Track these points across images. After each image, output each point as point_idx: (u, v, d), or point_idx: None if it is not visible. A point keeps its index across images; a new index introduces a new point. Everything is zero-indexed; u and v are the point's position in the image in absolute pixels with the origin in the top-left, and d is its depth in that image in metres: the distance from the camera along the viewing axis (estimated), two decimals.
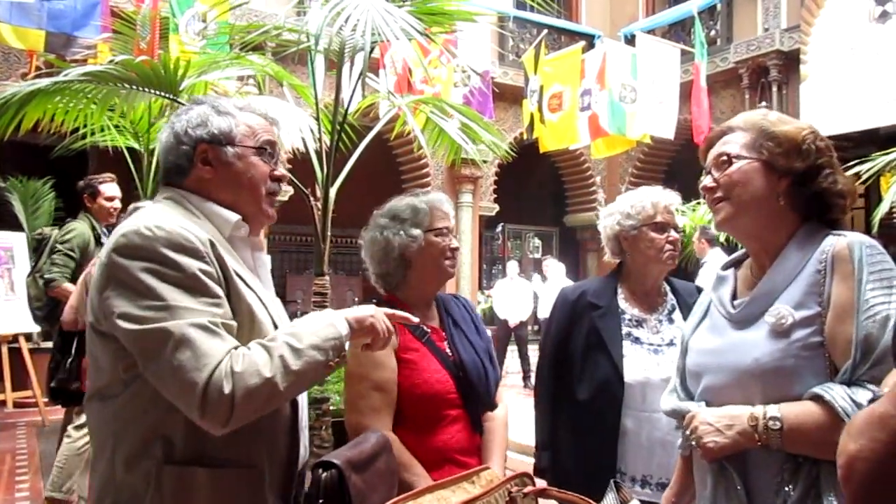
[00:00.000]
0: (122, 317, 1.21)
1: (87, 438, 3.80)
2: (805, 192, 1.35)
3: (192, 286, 1.24)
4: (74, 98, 3.22)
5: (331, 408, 3.37)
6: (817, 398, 1.21)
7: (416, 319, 1.55)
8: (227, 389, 1.17)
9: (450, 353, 1.94)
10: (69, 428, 3.88)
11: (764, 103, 10.06)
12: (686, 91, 9.51)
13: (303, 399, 1.47)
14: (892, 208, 7.37)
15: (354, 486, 1.31)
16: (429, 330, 1.95)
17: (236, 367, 1.19)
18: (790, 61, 9.79)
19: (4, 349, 6.63)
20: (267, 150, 1.47)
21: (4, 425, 6.65)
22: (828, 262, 1.28)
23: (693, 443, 1.35)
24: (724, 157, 1.40)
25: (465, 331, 2.01)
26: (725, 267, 1.54)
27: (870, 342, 1.19)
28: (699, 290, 2.28)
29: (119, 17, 5.47)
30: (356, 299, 11.93)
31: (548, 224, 14.29)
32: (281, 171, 1.51)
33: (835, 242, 1.29)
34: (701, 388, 1.44)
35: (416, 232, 1.94)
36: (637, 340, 2.11)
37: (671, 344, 2.10)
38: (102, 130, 5.22)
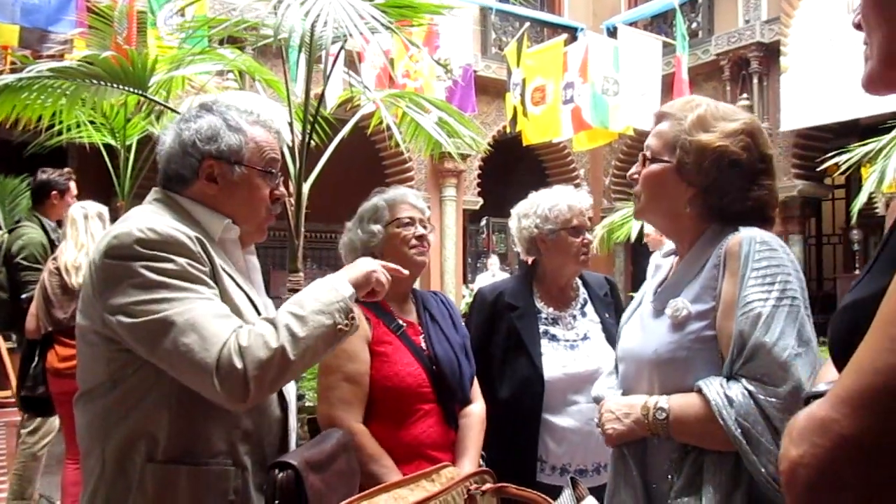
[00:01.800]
0: (124, 312, 1.23)
1: (42, 443, 3.80)
2: (709, 202, 1.36)
3: (189, 277, 1.26)
4: (43, 93, 3.18)
5: (306, 404, 3.36)
6: (699, 391, 1.25)
7: (406, 272, 1.58)
8: (238, 365, 1.19)
9: (424, 348, 1.94)
10: (23, 434, 3.86)
11: (745, 95, 10.11)
12: (668, 83, 9.53)
13: (292, 401, 1.47)
14: (871, 198, 7.44)
15: (312, 486, 1.30)
16: (404, 324, 1.95)
17: (243, 342, 1.21)
18: (771, 53, 9.83)
19: None
20: (271, 171, 1.47)
21: None
22: (722, 258, 1.30)
23: (599, 429, 1.43)
24: (647, 153, 1.42)
25: (441, 326, 2.02)
26: (666, 255, 1.57)
27: (743, 338, 1.21)
28: (609, 282, 2.40)
29: (93, 13, 5.41)
30: None
31: None
32: (281, 190, 1.51)
33: (730, 239, 1.30)
34: (621, 374, 1.50)
35: (376, 227, 1.98)
36: (554, 338, 2.17)
37: (585, 338, 2.18)
38: (78, 127, 5.17)
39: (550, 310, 2.22)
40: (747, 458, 1.17)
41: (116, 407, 1.29)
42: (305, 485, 1.28)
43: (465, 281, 11.98)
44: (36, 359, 3.49)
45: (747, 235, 1.28)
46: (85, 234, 3.54)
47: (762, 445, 1.16)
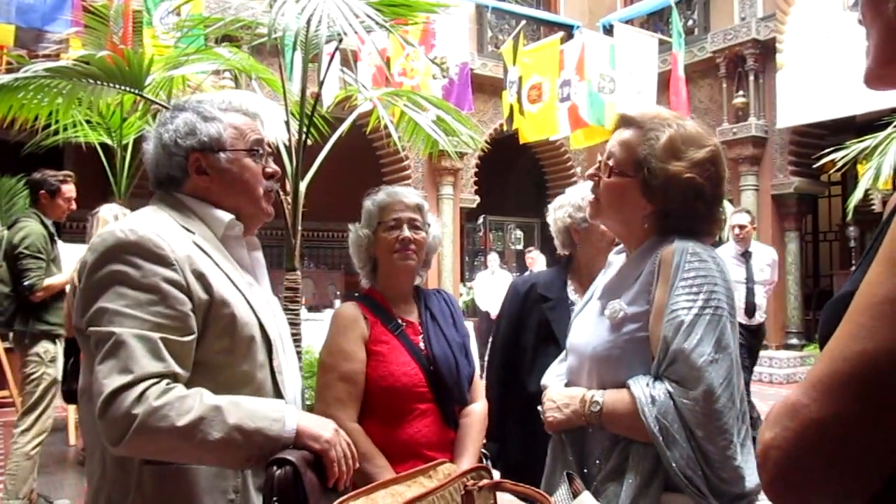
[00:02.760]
0: (86, 317, 1.25)
1: (35, 442, 3.82)
2: (665, 220, 1.43)
3: (151, 294, 1.24)
4: (39, 93, 3.18)
5: (305, 402, 3.37)
6: (628, 387, 1.35)
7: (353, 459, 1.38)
8: (133, 410, 1.15)
9: (423, 347, 1.94)
10: (15, 433, 3.87)
11: (741, 92, 10.12)
12: (664, 81, 9.54)
13: (295, 399, 1.47)
14: (867, 195, 7.46)
15: (310, 482, 1.30)
16: (403, 323, 1.96)
17: (155, 399, 1.17)
18: (766, 50, 9.84)
19: None
20: (257, 149, 1.47)
21: None
22: (657, 265, 1.38)
23: (542, 416, 1.50)
24: (611, 163, 1.47)
25: (441, 325, 2.01)
26: (618, 252, 1.62)
27: (666, 343, 1.31)
28: None
29: (89, 12, 5.40)
30: (338, 293, 11.90)
31: (529, 215, 14.30)
32: (272, 167, 1.52)
33: (665, 248, 1.38)
34: (567, 366, 1.58)
35: (365, 232, 2.00)
36: None
37: None
38: (75, 126, 5.17)
39: None
40: (662, 452, 1.27)
41: None
42: (304, 481, 1.29)
43: (463, 279, 11.99)
44: (72, 356, 3.66)
45: (680, 246, 1.36)
46: None
47: (677, 442, 1.26)
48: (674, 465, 1.25)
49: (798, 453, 0.60)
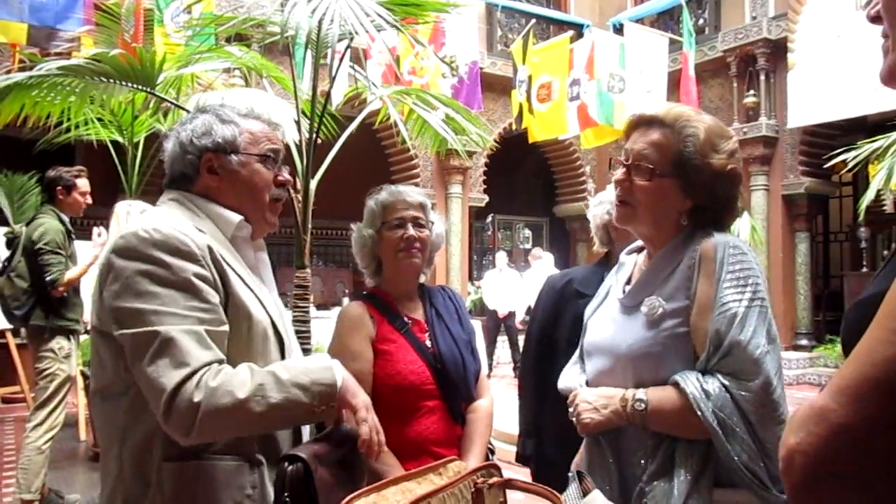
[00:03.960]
0: (115, 320, 1.25)
1: (46, 437, 3.85)
2: (705, 214, 1.45)
3: (185, 290, 1.27)
4: (52, 91, 3.20)
5: None
6: (675, 384, 1.33)
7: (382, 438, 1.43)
8: (196, 398, 1.18)
9: (429, 345, 1.94)
10: (27, 428, 3.91)
11: (752, 92, 10.07)
12: (674, 80, 9.51)
13: None
14: (878, 196, 7.41)
15: (321, 479, 1.31)
16: (409, 321, 1.96)
17: (212, 381, 1.21)
18: (778, 49, 9.79)
19: None
20: (271, 156, 1.50)
21: None
22: (696, 260, 1.38)
23: (574, 419, 1.47)
24: (646, 166, 1.44)
25: (447, 322, 2.02)
26: (629, 252, 1.62)
27: (719, 336, 1.30)
28: None
29: (101, 10, 5.43)
30: (346, 291, 11.92)
31: (538, 214, 14.29)
32: (285, 176, 1.54)
33: (704, 243, 1.38)
34: (590, 367, 1.55)
35: (369, 231, 2.00)
36: None
37: None
38: (86, 124, 5.19)
39: None
40: (722, 447, 1.26)
41: (131, 409, 1.30)
42: (314, 477, 1.30)
43: (471, 278, 11.99)
44: None
45: (721, 240, 1.37)
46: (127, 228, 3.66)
47: (737, 435, 1.26)
48: (736, 458, 1.25)
49: (824, 459, 0.59)
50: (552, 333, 2.18)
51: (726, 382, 1.28)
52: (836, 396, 0.60)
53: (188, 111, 3.60)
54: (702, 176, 1.41)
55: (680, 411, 1.30)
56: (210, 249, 1.34)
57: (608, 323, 1.53)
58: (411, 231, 1.97)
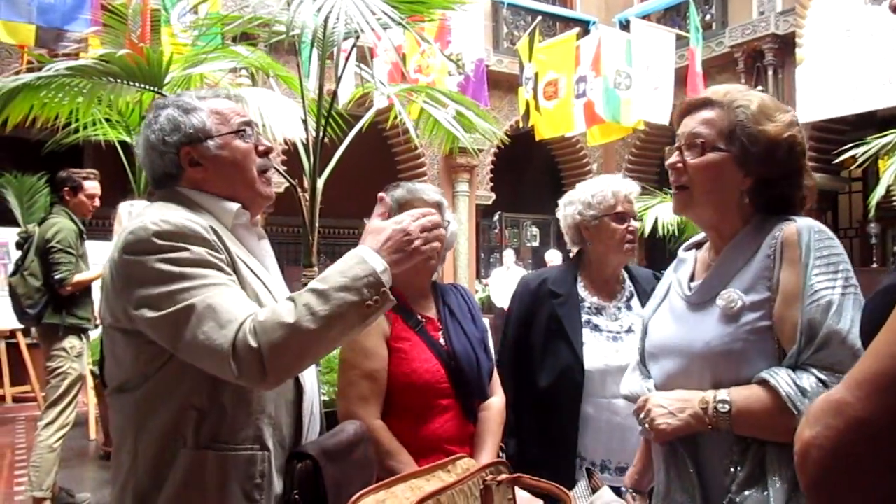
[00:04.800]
0: (147, 306, 1.24)
1: (58, 435, 3.88)
2: (767, 192, 1.35)
3: (207, 266, 1.27)
4: (60, 92, 3.22)
5: (323, 398, 3.39)
6: (763, 383, 1.22)
7: (437, 218, 1.40)
8: (253, 343, 1.18)
9: (443, 343, 1.94)
10: (39, 426, 3.94)
11: (760, 88, 10.01)
12: (681, 76, 9.45)
13: (312, 386, 1.49)
14: (889, 191, 7.36)
15: (330, 476, 1.32)
16: (423, 320, 1.96)
17: (258, 323, 1.20)
18: (786, 45, 9.73)
19: (2, 344, 6.65)
20: (245, 130, 1.47)
21: (3, 420, 6.69)
22: (777, 247, 1.28)
23: (646, 425, 1.36)
24: (699, 142, 1.36)
25: (460, 320, 2.01)
26: (687, 248, 1.55)
27: (813, 327, 1.20)
28: (657, 277, 2.31)
29: (108, 11, 5.45)
30: None
31: (545, 212, 14.23)
32: (265, 144, 1.51)
33: (784, 228, 1.28)
34: (658, 369, 1.45)
35: None
36: (596, 328, 2.13)
37: (629, 331, 2.13)
38: (94, 125, 5.22)
39: (595, 299, 2.18)
40: None
41: (147, 400, 1.31)
42: (323, 475, 1.30)
43: (479, 276, 11.98)
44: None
45: (804, 224, 1.27)
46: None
47: None
48: None
49: (841, 453, 0.58)
50: (527, 334, 2.17)
51: (823, 377, 1.18)
52: (853, 390, 0.59)
53: None
54: (757, 145, 1.31)
55: (771, 412, 1.20)
56: (217, 234, 1.34)
57: (674, 322, 1.43)
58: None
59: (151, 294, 1.24)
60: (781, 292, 1.25)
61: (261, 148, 1.49)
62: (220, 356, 1.19)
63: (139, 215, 1.37)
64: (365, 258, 1.28)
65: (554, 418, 2.07)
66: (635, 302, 2.20)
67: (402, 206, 1.96)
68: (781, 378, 1.20)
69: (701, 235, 1.54)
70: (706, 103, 1.39)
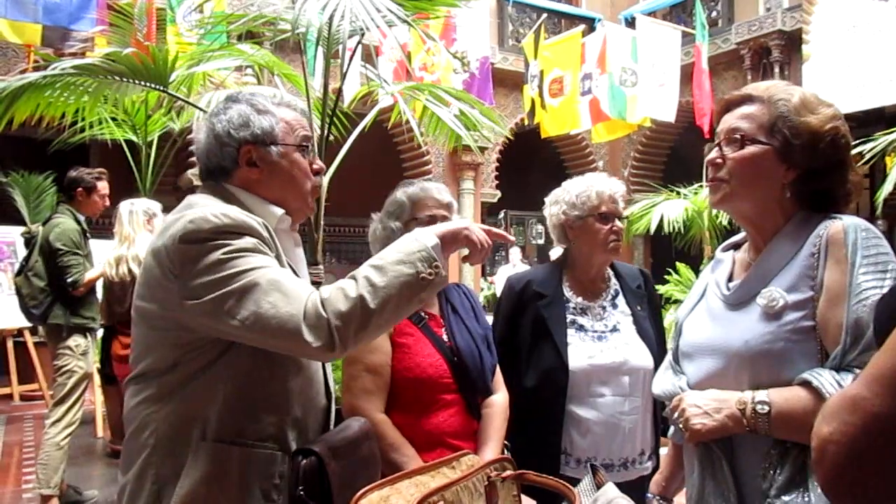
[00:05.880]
0: (206, 289, 1.25)
1: (65, 433, 3.91)
2: (811, 186, 1.31)
3: (263, 252, 1.31)
4: (66, 91, 3.23)
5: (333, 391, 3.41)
6: (806, 384, 1.18)
7: (512, 238, 1.53)
8: (324, 313, 1.21)
9: (446, 339, 1.95)
10: (46, 424, 3.96)
11: None
12: (687, 73, 9.43)
13: (332, 385, 1.51)
14: None
15: (334, 472, 1.32)
16: (426, 316, 1.96)
17: (324, 294, 1.24)
18: (792, 41, 9.69)
19: (10, 343, 6.69)
20: (306, 145, 1.50)
21: (11, 418, 6.71)
22: (822, 245, 1.24)
23: (680, 425, 1.33)
24: (738, 136, 1.33)
25: (463, 318, 2.02)
26: (724, 249, 1.51)
27: (860, 327, 1.16)
28: (643, 274, 2.33)
29: (114, 10, 5.48)
30: None
31: None
32: (319, 164, 1.54)
33: (829, 226, 1.25)
34: (693, 369, 1.41)
35: (395, 225, 1.97)
36: (581, 328, 2.13)
37: (615, 330, 2.13)
38: (100, 124, 5.25)
39: (579, 299, 2.18)
40: None
41: (172, 387, 1.32)
42: (328, 471, 1.30)
43: (484, 274, 11.98)
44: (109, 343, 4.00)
45: (851, 223, 1.24)
46: (128, 226, 3.76)
47: None
48: None
49: (859, 449, 0.58)
50: (513, 335, 2.17)
51: None
52: (870, 385, 0.59)
53: (202, 109, 3.65)
54: (799, 138, 1.28)
55: (812, 415, 1.08)
56: (271, 235, 1.37)
57: (711, 322, 1.40)
58: None
59: (212, 279, 1.25)
60: (826, 291, 1.22)
61: (315, 166, 1.52)
62: (291, 325, 1.21)
63: (191, 204, 1.37)
64: (418, 236, 1.33)
65: (539, 418, 2.08)
66: (620, 300, 2.21)
67: (414, 203, 1.98)
68: (825, 379, 1.16)
69: (738, 236, 1.51)
70: (746, 99, 1.37)
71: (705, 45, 9.31)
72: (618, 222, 2.15)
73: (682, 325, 1.50)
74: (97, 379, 5.15)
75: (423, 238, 1.32)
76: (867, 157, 6.67)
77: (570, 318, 2.14)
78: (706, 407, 1.28)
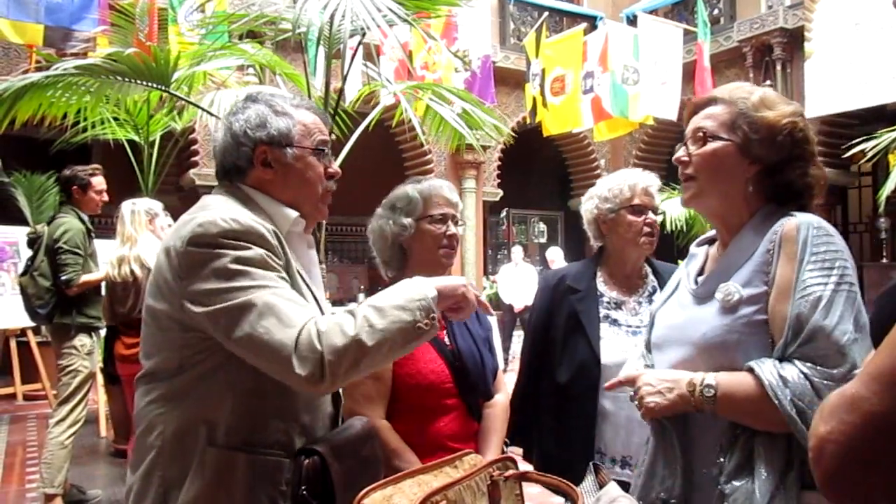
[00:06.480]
0: (205, 298, 1.25)
1: (69, 432, 3.91)
2: (773, 180, 1.37)
3: (268, 268, 1.29)
4: (68, 91, 3.23)
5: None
6: (750, 371, 1.26)
7: (493, 314, 1.56)
8: (318, 346, 1.20)
9: (448, 343, 1.93)
10: (50, 423, 3.97)
11: (768, 82, 9.96)
12: (689, 71, 9.42)
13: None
14: None
15: (337, 472, 1.32)
16: None
17: (321, 327, 1.22)
18: (794, 39, 9.67)
19: (13, 343, 6.70)
20: (322, 149, 1.49)
21: (15, 418, 6.74)
22: (777, 242, 1.30)
23: (636, 402, 1.41)
24: (701, 134, 1.40)
25: (464, 319, 2.01)
26: (699, 244, 1.56)
27: (800, 321, 1.22)
28: None
29: (115, 10, 5.48)
30: (361, 287, 11.96)
31: (552, 208, 14.24)
32: (334, 168, 1.53)
33: (785, 223, 1.30)
34: (661, 360, 1.48)
35: (407, 221, 1.93)
36: (615, 323, 2.11)
37: None
38: (102, 123, 5.25)
39: (614, 294, 2.16)
40: (803, 437, 1.17)
41: (181, 389, 1.31)
42: (331, 471, 1.31)
43: (486, 273, 11.98)
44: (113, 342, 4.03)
45: (804, 220, 1.29)
46: (130, 226, 3.77)
47: None
48: None
49: (857, 448, 0.58)
50: (548, 330, 2.17)
51: (806, 370, 1.20)
52: (869, 384, 0.59)
53: (205, 109, 3.65)
54: (758, 132, 1.35)
55: (753, 399, 1.23)
56: (280, 241, 1.36)
57: (679, 314, 1.47)
58: (454, 229, 1.94)
59: (211, 287, 1.25)
60: (776, 286, 1.28)
61: (330, 170, 1.51)
62: (282, 353, 1.20)
63: (204, 206, 1.37)
64: (419, 285, 1.32)
65: (572, 414, 2.05)
66: (658, 297, 2.19)
67: (426, 200, 1.95)
68: (766, 367, 1.23)
69: (714, 232, 1.55)
70: (711, 101, 1.43)
71: (707, 42, 9.30)
72: (651, 215, 2.12)
73: (654, 316, 1.57)
74: (100, 378, 5.16)
75: (423, 288, 1.31)
76: (869, 155, 6.66)
77: (603, 312, 2.12)
78: (659, 386, 1.36)
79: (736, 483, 1.26)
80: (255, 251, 1.29)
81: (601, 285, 2.18)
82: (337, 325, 1.23)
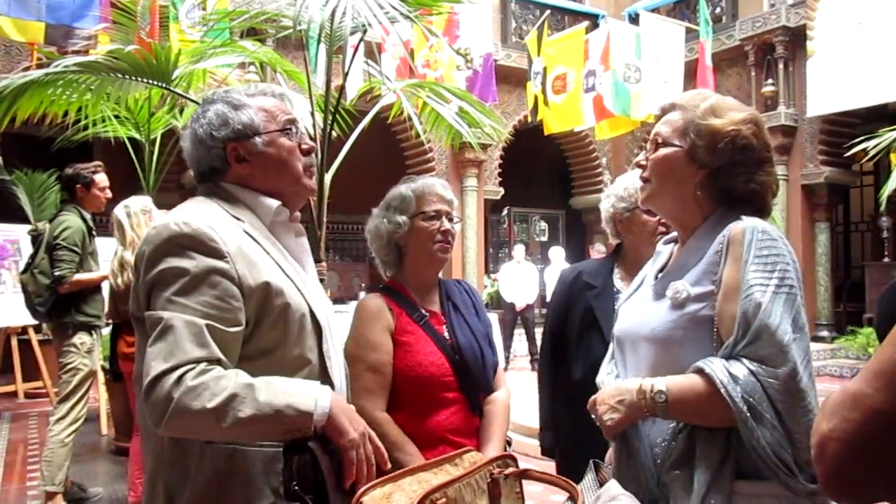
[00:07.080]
0: (145, 302, 1.30)
1: (70, 430, 3.92)
2: (715, 183, 1.43)
3: (202, 283, 1.28)
4: (69, 88, 3.23)
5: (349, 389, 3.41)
6: (699, 371, 1.30)
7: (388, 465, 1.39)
8: (172, 393, 1.19)
9: (448, 337, 1.94)
10: (51, 421, 3.97)
11: (770, 81, 9.95)
12: (691, 70, 9.42)
13: (340, 383, 1.49)
14: None
15: (328, 467, 1.32)
16: (427, 314, 1.96)
17: (192, 380, 1.20)
18: (796, 37, 9.66)
19: (14, 341, 6.71)
20: (291, 128, 1.50)
21: (16, 416, 6.75)
22: (725, 244, 1.35)
23: (598, 423, 1.44)
24: (656, 139, 1.47)
25: (464, 315, 2.01)
26: (665, 242, 1.61)
27: (747, 320, 1.27)
28: None
29: (117, 8, 5.48)
30: (362, 285, 11.96)
31: (554, 207, 14.24)
32: (308, 143, 1.54)
33: (732, 227, 1.36)
34: (621, 354, 1.54)
35: (401, 218, 1.96)
36: None
37: None
38: (103, 121, 5.25)
39: None
40: (752, 433, 1.22)
41: None
42: (321, 467, 1.30)
43: (487, 271, 11.98)
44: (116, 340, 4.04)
45: (750, 224, 1.34)
46: (131, 231, 3.76)
47: (766, 421, 1.23)
48: (766, 445, 1.22)
49: (860, 445, 0.58)
50: (564, 326, 2.20)
51: (753, 368, 1.25)
52: (871, 381, 0.58)
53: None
54: (703, 139, 1.41)
55: (705, 399, 1.27)
56: (242, 245, 1.35)
57: (639, 309, 1.52)
58: (448, 225, 1.97)
59: (149, 293, 1.30)
60: (723, 286, 1.34)
61: (304, 147, 1.52)
62: (148, 376, 1.21)
63: (179, 209, 1.40)
64: (316, 398, 1.28)
65: (588, 413, 2.07)
66: (625, 291, 2.22)
67: (419, 197, 1.98)
68: (716, 367, 1.27)
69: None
70: (672, 107, 1.50)
71: (709, 41, 9.30)
72: None
73: (617, 311, 1.62)
74: (101, 376, 5.16)
75: (320, 400, 1.27)
76: (871, 154, 6.66)
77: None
78: (612, 401, 1.40)
79: (675, 472, 1.32)
80: (198, 262, 1.28)
81: (618, 282, 2.22)
82: (206, 388, 1.19)
